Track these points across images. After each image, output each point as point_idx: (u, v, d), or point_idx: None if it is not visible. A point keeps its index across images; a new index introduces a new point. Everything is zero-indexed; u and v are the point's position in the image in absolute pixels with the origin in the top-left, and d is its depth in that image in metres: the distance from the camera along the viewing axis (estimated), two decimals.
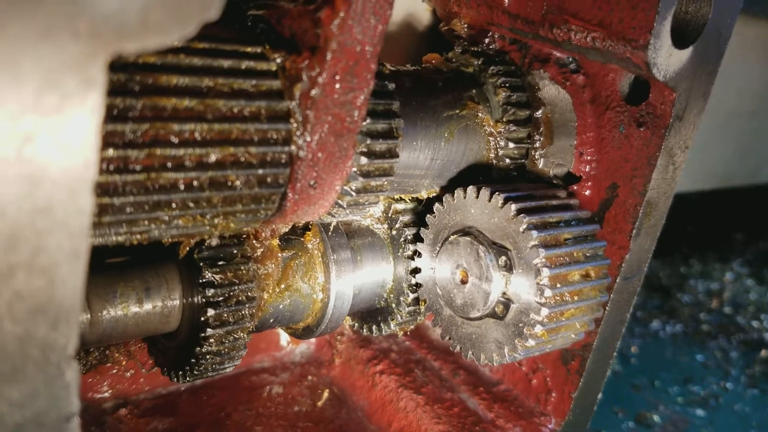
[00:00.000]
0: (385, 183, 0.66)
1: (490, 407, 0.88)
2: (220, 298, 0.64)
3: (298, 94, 0.54)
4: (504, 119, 0.77)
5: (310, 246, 0.76)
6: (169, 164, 0.48)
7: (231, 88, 0.51)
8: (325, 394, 0.95)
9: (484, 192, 0.70)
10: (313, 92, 0.54)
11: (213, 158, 0.50)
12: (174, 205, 0.50)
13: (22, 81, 0.32)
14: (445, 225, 0.75)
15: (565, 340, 0.74)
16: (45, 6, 0.31)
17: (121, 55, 0.35)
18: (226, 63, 0.52)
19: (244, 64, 0.53)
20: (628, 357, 1.64)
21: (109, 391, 0.84)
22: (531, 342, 0.68)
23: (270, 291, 0.70)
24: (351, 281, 0.77)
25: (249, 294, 0.66)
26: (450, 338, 0.77)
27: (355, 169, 0.63)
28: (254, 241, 0.69)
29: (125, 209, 0.47)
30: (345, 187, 0.63)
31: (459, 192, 0.73)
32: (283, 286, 0.72)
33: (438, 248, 0.76)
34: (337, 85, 0.54)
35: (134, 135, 0.46)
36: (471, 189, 0.72)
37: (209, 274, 0.64)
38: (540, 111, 0.78)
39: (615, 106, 0.72)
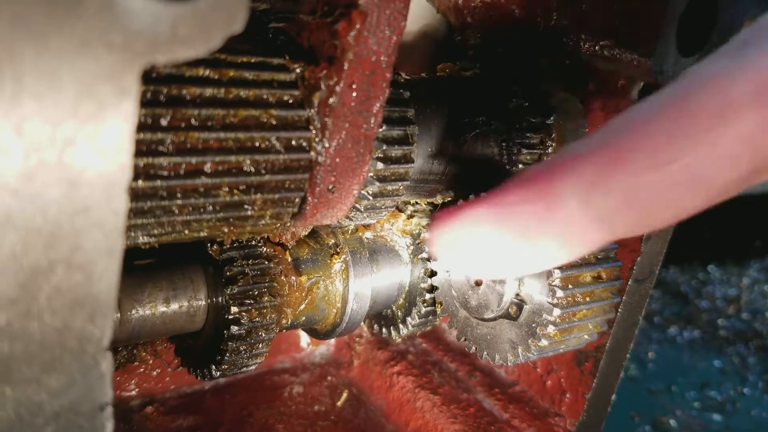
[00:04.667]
0: (401, 188, 0.69)
1: (505, 408, 0.90)
2: (242, 332, 0.67)
3: (316, 102, 0.57)
4: (517, 126, 0.79)
5: (333, 271, 0.77)
6: (197, 168, 0.51)
7: (253, 97, 0.54)
8: (344, 394, 0.97)
9: None
10: (331, 100, 0.56)
11: (236, 164, 0.53)
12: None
13: (62, 90, 0.34)
14: None
15: (579, 341, 0.75)
16: (82, 20, 0.33)
17: (153, 66, 0.37)
18: (249, 73, 0.55)
19: (266, 74, 0.56)
20: (645, 362, 1.64)
21: (136, 389, 0.87)
22: (544, 342, 0.70)
23: (288, 317, 0.73)
24: (366, 302, 0.79)
25: (269, 328, 0.69)
26: (465, 339, 0.78)
27: (371, 174, 0.65)
28: (283, 278, 0.71)
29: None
30: (362, 192, 0.66)
31: (473, 197, 0.75)
32: (302, 306, 0.74)
33: None
34: (354, 94, 0.57)
35: (162, 145, 0.49)
36: (484, 195, 0.74)
37: (236, 311, 0.67)
38: (552, 118, 0.80)
39: None
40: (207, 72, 0.52)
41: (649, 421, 1.43)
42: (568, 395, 0.86)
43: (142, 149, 0.48)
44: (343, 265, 0.77)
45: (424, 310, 0.83)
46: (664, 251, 0.80)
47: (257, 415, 0.89)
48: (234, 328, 0.66)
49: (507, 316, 0.72)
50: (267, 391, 0.93)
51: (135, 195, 0.49)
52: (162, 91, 0.49)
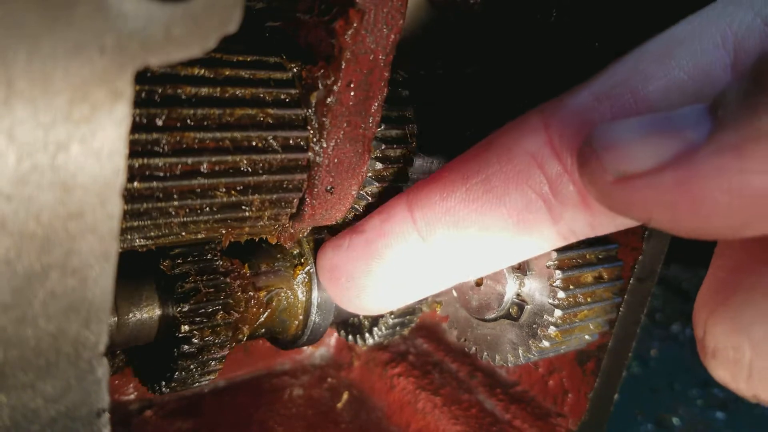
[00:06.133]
0: (401, 188, 0.68)
1: (507, 408, 0.89)
2: (194, 350, 0.63)
3: (314, 102, 0.56)
4: None
5: (296, 282, 0.73)
6: (191, 170, 0.51)
7: (249, 96, 0.54)
8: (345, 395, 0.97)
9: None
10: (329, 100, 0.56)
11: (233, 164, 0.53)
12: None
13: (54, 93, 0.34)
14: None
15: (580, 341, 0.75)
16: (75, 23, 0.33)
17: (147, 68, 0.37)
18: (245, 72, 0.54)
19: (262, 73, 0.55)
20: (647, 360, 1.64)
21: (135, 393, 0.86)
22: (545, 343, 0.70)
23: (245, 333, 0.69)
24: (330, 313, 0.75)
25: (222, 346, 0.65)
26: (465, 340, 0.78)
27: (370, 174, 0.65)
28: (239, 293, 0.67)
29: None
30: (361, 192, 0.65)
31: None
32: (261, 319, 0.70)
33: None
34: (352, 93, 0.56)
35: (158, 145, 0.48)
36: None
37: (187, 330, 0.63)
38: None
39: None
40: (202, 71, 0.52)
41: (652, 419, 1.42)
42: (570, 395, 0.85)
43: (137, 150, 0.47)
44: (307, 277, 0.73)
45: (391, 321, 0.80)
46: (666, 250, 0.79)
47: (257, 418, 0.88)
48: (184, 347, 0.63)
49: (508, 316, 0.72)
50: (267, 394, 0.93)
51: (131, 196, 0.48)
52: (157, 91, 0.48)
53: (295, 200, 0.59)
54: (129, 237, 0.52)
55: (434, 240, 0.58)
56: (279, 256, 0.73)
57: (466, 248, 0.58)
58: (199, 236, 0.57)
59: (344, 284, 0.64)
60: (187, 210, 0.52)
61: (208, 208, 0.53)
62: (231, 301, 0.65)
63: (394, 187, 0.67)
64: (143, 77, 0.48)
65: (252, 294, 0.68)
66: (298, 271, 0.73)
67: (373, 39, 0.55)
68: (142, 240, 0.53)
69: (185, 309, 0.62)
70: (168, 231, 0.53)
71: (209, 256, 0.65)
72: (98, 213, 0.37)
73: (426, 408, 0.91)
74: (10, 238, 0.35)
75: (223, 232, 0.58)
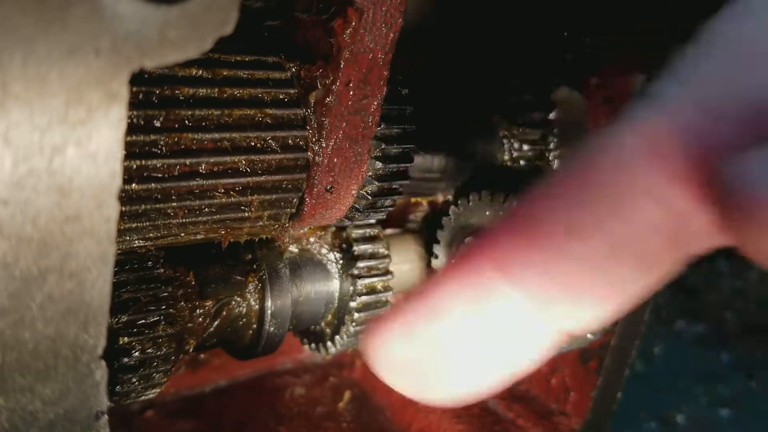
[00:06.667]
0: (401, 186, 0.68)
1: (509, 407, 0.89)
2: (134, 363, 0.60)
3: (313, 101, 0.56)
4: (518, 121, 0.78)
5: (248, 290, 0.69)
6: (191, 169, 0.50)
7: (247, 96, 0.54)
8: (347, 395, 0.96)
9: (498, 195, 0.72)
10: (328, 100, 0.55)
11: (232, 164, 0.52)
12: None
13: (50, 96, 0.34)
14: (461, 227, 0.76)
15: (582, 341, 0.74)
16: (70, 26, 0.33)
17: (143, 69, 0.36)
18: (244, 72, 0.54)
19: (261, 73, 0.55)
20: (651, 357, 1.63)
21: None
22: None
23: (191, 344, 0.66)
24: (286, 322, 0.71)
25: (166, 359, 0.62)
26: None
27: (370, 173, 0.65)
28: (183, 303, 0.64)
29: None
30: (361, 191, 0.65)
31: (474, 195, 0.74)
32: (211, 330, 0.67)
33: (453, 250, 0.77)
34: (351, 92, 0.56)
35: (156, 146, 0.48)
36: (485, 192, 0.73)
37: (126, 342, 0.59)
38: (554, 113, 0.79)
39: None
40: (200, 71, 0.52)
41: (656, 417, 1.42)
42: (573, 394, 0.85)
43: (135, 151, 0.47)
44: (259, 284, 0.69)
45: (352, 329, 0.77)
46: None
47: (258, 418, 0.88)
48: (124, 360, 0.60)
49: None
50: (268, 394, 0.93)
51: (129, 198, 0.48)
52: (154, 92, 0.48)
53: (295, 200, 0.59)
54: (128, 238, 0.52)
55: (550, 310, 0.41)
56: (230, 262, 0.69)
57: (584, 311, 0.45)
58: (199, 237, 0.57)
59: (432, 376, 0.44)
60: (186, 211, 0.52)
61: (207, 209, 0.53)
62: (173, 312, 0.62)
63: (395, 185, 0.67)
64: (141, 78, 0.48)
65: (197, 303, 0.65)
66: (250, 279, 0.69)
67: (372, 38, 0.55)
68: (141, 241, 0.53)
69: (123, 320, 0.59)
70: (167, 232, 0.53)
71: (150, 264, 0.62)
72: (95, 216, 0.37)
73: (428, 407, 0.90)
74: (7, 242, 0.35)
75: (223, 232, 0.58)
